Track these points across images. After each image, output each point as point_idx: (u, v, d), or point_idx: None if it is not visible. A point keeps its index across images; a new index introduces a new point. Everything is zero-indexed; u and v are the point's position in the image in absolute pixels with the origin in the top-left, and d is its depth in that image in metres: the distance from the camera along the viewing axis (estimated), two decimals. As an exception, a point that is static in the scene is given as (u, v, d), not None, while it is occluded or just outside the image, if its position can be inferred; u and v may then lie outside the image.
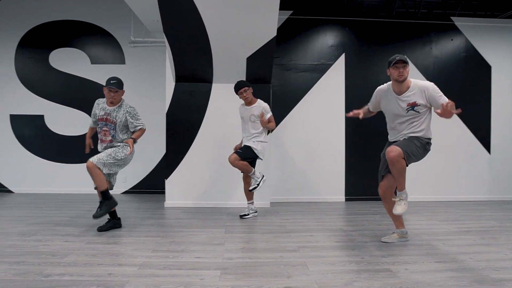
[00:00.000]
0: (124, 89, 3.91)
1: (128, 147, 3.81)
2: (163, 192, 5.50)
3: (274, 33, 4.60)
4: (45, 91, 6.39)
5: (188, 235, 3.74)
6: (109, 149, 3.81)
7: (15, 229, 3.91)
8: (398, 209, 3.23)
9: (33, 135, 6.43)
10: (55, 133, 6.41)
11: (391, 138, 3.48)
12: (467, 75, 6.03)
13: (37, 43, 6.38)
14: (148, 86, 6.31)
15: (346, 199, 5.86)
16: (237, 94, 4.45)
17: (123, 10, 6.12)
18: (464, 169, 6.03)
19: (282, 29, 5.81)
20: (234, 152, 4.40)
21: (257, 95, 5.26)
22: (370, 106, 3.60)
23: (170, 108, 5.27)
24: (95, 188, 3.82)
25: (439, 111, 3.13)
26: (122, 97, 3.93)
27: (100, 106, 3.92)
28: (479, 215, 4.83)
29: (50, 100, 6.38)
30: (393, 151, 3.13)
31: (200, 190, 5.26)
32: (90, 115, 6.21)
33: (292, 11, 5.86)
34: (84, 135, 6.13)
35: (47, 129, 6.41)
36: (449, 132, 5.98)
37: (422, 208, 5.27)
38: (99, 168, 3.68)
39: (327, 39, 5.92)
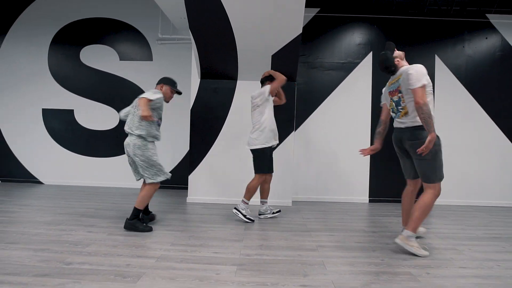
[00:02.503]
0: (157, 86, 4.02)
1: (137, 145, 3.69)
2: (186, 188, 5.55)
3: (300, 30, 4.55)
4: (76, 86, 6.59)
5: (207, 230, 3.76)
6: (140, 163, 3.71)
7: (42, 218, 4.04)
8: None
9: (63, 129, 6.64)
10: (84, 127, 6.59)
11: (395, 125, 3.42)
12: (502, 75, 5.77)
13: (69, 40, 6.58)
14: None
15: (370, 200, 5.73)
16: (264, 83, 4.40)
17: (151, 8, 6.24)
18: (496, 173, 5.78)
19: (308, 27, 5.75)
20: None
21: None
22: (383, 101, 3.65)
23: (194, 105, 5.31)
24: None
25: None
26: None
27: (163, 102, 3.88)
28: (510, 221, 4.61)
29: (80, 95, 6.57)
30: (425, 186, 3.27)
31: (222, 187, 5.28)
32: (117, 110, 6.46)
33: (319, 9, 5.79)
34: (112, 130, 6.31)
35: (76, 123, 6.60)
36: (481, 134, 5.76)
37: (451, 213, 5.09)
38: (151, 184, 3.76)
39: (354, 37, 5.81)
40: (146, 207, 3.98)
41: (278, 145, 4.83)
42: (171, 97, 4.01)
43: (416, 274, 2.62)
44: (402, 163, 3.51)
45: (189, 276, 2.48)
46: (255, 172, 4.26)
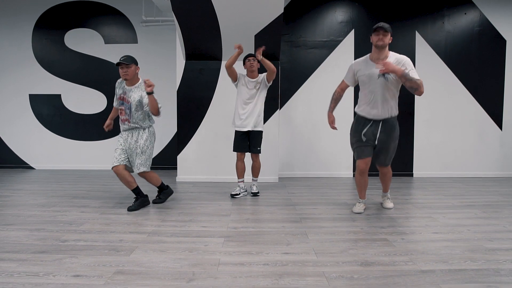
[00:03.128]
0: (138, 66, 3.82)
1: (144, 135, 3.85)
2: (176, 168, 5.69)
3: (281, 10, 4.63)
4: (62, 71, 6.58)
5: (196, 207, 3.92)
6: (136, 150, 3.80)
7: (36, 201, 4.16)
8: (391, 204, 3.89)
9: (51, 114, 6.67)
10: (72, 111, 6.63)
11: (366, 114, 3.52)
12: (480, 50, 5.92)
13: (53, 24, 6.53)
14: (160, 64, 6.43)
15: (354, 175, 5.91)
16: (244, 62, 4.42)
17: (134, -10, 6.22)
18: (474, 145, 6.01)
19: (291, 6, 5.81)
20: (255, 153, 4.46)
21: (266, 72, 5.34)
22: (347, 80, 3.73)
23: (180, 86, 5.40)
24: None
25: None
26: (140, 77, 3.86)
27: (119, 84, 3.88)
28: (486, 191, 4.85)
29: (67, 79, 6.58)
30: (384, 169, 3.73)
31: (211, 165, 5.42)
32: (105, 94, 6.51)
33: (301, -13, 5.84)
34: (100, 113, 6.35)
35: (64, 108, 6.63)
36: (459, 108, 5.95)
37: (430, 184, 5.31)
38: (146, 171, 3.89)
39: (336, 15, 5.89)
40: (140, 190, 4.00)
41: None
42: (122, 72, 3.71)
43: (391, 240, 2.82)
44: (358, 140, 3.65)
45: (179, 248, 2.64)
46: (259, 152, 4.48)
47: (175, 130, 5.72)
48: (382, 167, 3.70)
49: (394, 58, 3.34)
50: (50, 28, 6.54)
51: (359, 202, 3.77)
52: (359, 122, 3.59)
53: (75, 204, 3.98)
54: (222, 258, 2.45)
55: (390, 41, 3.32)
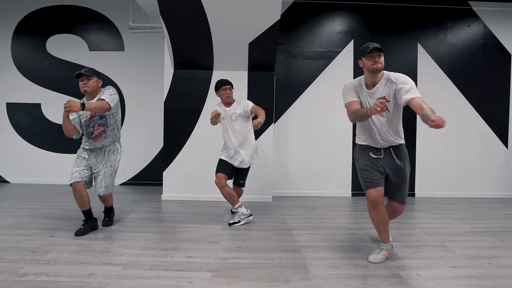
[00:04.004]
0: (100, 78, 3.43)
1: (116, 150, 3.53)
2: (161, 184, 5.27)
3: (278, 17, 4.29)
4: (42, 78, 6.18)
5: (181, 231, 3.50)
6: (102, 170, 3.42)
7: (2, 221, 3.72)
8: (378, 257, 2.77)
9: (30, 124, 6.23)
10: (52, 122, 6.20)
11: (370, 143, 2.82)
12: (485, 64, 5.65)
13: (34, 29, 6.15)
14: (148, 73, 6.07)
15: (353, 194, 5.56)
16: (218, 90, 3.85)
17: (121, -6, 5.88)
18: (479, 164, 5.69)
19: (287, 14, 5.50)
20: (238, 186, 3.96)
21: (260, 83, 5.02)
22: (355, 98, 2.78)
23: (168, 97, 5.01)
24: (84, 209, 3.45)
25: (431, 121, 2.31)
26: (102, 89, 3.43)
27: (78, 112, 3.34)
28: (496, 214, 4.51)
29: (47, 88, 6.17)
30: (401, 208, 2.89)
31: (199, 183, 5.01)
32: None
33: (298, -5, 5.54)
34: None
35: (44, 118, 6.20)
36: (463, 124, 5.65)
37: (434, 205, 4.96)
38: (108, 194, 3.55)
39: (335, 25, 5.58)
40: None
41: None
42: (82, 84, 3.32)
43: (406, 277, 2.44)
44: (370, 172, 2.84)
45: (158, 286, 2.23)
46: (243, 186, 4.02)
47: (162, 143, 5.32)
48: (398, 206, 2.86)
49: (387, 79, 2.68)
50: (31, 33, 6.15)
51: (381, 249, 2.80)
52: (365, 150, 2.85)
53: (45, 226, 3.54)
54: (208, 301, 2.04)
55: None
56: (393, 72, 2.72)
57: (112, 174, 3.49)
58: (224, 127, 3.87)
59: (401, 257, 2.83)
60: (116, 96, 3.36)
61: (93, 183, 3.52)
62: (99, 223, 3.62)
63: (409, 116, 5.41)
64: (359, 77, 2.84)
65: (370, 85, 2.73)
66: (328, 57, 5.57)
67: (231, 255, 2.84)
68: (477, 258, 2.84)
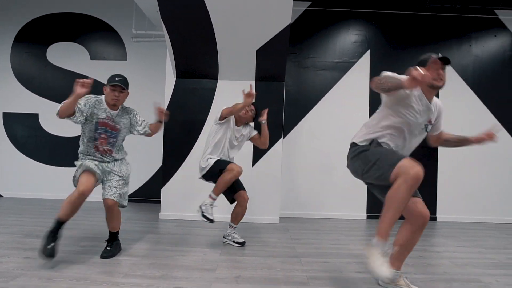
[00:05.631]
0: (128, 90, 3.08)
1: (125, 163, 3.21)
2: (160, 202, 4.88)
3: (289, 20, 3.96)
4: (41, 88, 5.95)
5: (174, 255, 3.07)
6: (116, 176, 3.02)
7: (-22, 239, 3.34)
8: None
9: (26, 135, 5.97)
10: (49, 133, 5.92)
11: (396, 147, 2.37)
12: (513, 77, 5.24)
13: (35, 37, 5.96)
14: (151, 84, 5.77)
15: (368, 217, 5.09)
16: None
17: (124, 1, 5.64)
18: (507, 186, 5.20)
19: (299, 22, 5.19)
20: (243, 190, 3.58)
21: (269, 94, 4.66)
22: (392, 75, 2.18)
23: (169, 107, 4.66)
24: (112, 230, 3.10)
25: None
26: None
27: (102, 106, 2.98)
28: (531, 242, 4.00)
29: (46, 97, 5.91)
30: (427, 211, 2.29)
31: (199, 202, 4.58)
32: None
33: (310, 2, 5.23)
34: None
35: (41, 129, 5.93)
36: (490, 144, 5.16)
37: (459, 231, 4.48)
38: (121, 205, 3.02)
39: (349, 34, 5.24)
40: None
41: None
42: (114, 96, 2.95)
43: (438, 321, 1.97)
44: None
45: (133, 328, 1.80)
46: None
47: (161, 159, 4.95)
48: (423, 207, 2.30)
49: (436, 102, 2.40)
50: (31, 41, 5.96)
51: (384, 253, 2.09)
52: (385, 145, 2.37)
53: (23, 246, 3.17)
54: None
55: None
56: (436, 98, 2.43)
57: (123, 184, 3.05)
58: (224, 139, 3.51)
59: (430, 295, 2.36)
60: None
61: (104, 191, 3.01)
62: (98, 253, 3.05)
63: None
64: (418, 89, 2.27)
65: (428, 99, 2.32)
66: (342, 68, 5.20)
67: (228, 286, 2.40)
68: (523, 298, 2.36)
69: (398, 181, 2.04)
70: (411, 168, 2.01)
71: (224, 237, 3.61)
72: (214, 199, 3.40)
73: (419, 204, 2.28)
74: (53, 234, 2.74)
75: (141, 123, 3.19)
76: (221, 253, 3.22)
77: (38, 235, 3.52)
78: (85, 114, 2.89)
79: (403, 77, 2.02)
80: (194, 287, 2.37)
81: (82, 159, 3.04)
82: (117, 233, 3.11)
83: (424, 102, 2.29)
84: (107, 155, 3.03)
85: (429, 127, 2.41)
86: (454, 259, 3.26)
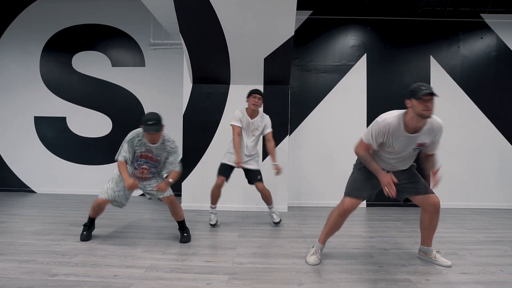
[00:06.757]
0: (163, 124, 3.37)
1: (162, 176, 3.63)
2: (180, 195, 5.45)
3: (292, 33, 4.49)
4: (68, 93, 6.49)
5: (200, 238, 3.65)
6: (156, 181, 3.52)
7: (31, 227, 3.94)
8: (447, 260, 2.91)
9: (55, 136, 6.53)
10: (76, 134, 6.49)
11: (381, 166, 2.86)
12: (498, 75, 5.70)
13: (61, 47, 6.50)
14: (167, 88, 6.31)
15: (367, 205, 5.62)
16: (249, 96, 4.12)
17: (143, 13, 6.16)
18: (494, 175, 5.70)
19: (301, 30, 5.69)
20: (257, 181, 4.18)
21: (275, 97, 5.18)
22: (373, 143, 2.76)
23: (187, 110, 5.23)
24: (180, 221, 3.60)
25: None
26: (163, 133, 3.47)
27: (140, 141, 3.36)
28: (511, 224, 4.52)
29: (72, 102, 6.47)
30: (437, 199, 2.91)
31: (217, 193, 5.16)
32: (110, 117, 6.36)
33: (311, 11, 5.73)
34: (105, 137, 6.16)
35: (69, 131, 6.50)
36: (479, 136, 5.68)
37: (449, 216, 5.00)
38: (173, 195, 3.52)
39: (348, 39, 5.75)
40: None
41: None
42: (151, 138, 3.32)
43: (415, 281, 2.53)
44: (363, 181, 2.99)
45: (178, 287, 2.38)
46: (261, 181, 4.24)
47: (181, 155, 5.51)
48: (434, 197, 2.89)
49: (431, 126, 2.69)
50: (58, 50, 6.50)
51: (317, 250, 3.01)
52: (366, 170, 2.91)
53: (72, 232, 3.74)
54: (226, 301, 2.18)
55: None
56: (434, 117, 2.67)
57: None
58: (242, 138, 4.13)
59: (412, 264, 2.91)
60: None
61: (149, 197, 3.58)
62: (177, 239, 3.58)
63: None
64: (398, 114, 2.66)
65: (412, 129, 2.63)
66: (341, 70, 5.71)
67: (247, 260, 2.97)
68: (488, 265, 2.89)
69: (336, 208, 3.02)
70: (342, 204, 2.97)
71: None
72: (213, 208, 4.27)
73: (430, 198, 2.90)
74: (87, 226, 3.56)
75: (173, 159, 3.50)
76: (239, 235, 3.79)
77: (80, 224, 4.09)
78: (131, 156, 3.38)
79: (376, 170, 2.74)
80: (220, 261, 2.94)
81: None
82: (184, 220, 3.60)
83: (401, 136, 2.66)
84: (145, 181, 3.53)
85: (423, 148, 2.78)
86: (439, 237, 3.78)
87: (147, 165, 3.45)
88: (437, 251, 3.00)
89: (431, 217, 2.93)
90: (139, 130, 3.37)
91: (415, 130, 2.64)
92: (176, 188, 5.93)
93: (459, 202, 5.65)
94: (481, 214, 5.12)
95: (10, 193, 6.41)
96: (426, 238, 3.01)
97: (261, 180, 4.18)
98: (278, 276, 2.60)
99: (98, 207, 3.50)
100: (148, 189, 3.54)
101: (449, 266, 2.84)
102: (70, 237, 3.56)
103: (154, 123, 3.22)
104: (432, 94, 2.52)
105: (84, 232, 3.51)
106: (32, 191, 6.52)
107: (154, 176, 3.57)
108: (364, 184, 2.92)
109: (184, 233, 3.56)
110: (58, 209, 5.06)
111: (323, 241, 3.04)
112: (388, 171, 2.86)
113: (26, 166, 6.55)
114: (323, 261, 2.95)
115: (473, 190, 5.68)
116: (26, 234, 3.68)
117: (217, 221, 4.24)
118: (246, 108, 4.16)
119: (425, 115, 2.54)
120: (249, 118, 4.14)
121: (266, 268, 2.77)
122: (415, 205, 5.47)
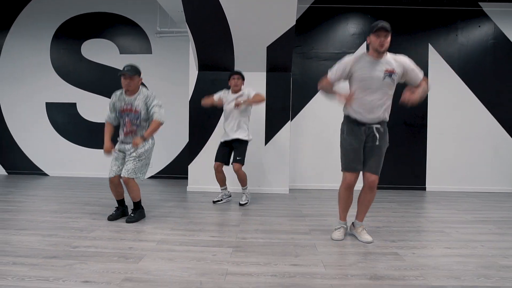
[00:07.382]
0: (141, 76, 3.66)
1: (148, 143, 3.68)
2: (187, 177, 5.72)
3: (293, 22, 4.67)
4: (78, 80, 6.73)
5: (206, 216, 3.93)
6: (130, 155, 3.58)
7: (49, 207, 4.23)
8: (369, 236, 3.12)
9: (66, 122, 6.80)
10: (86, 120, 6.75)
11: (361, 118, 3.03)
12: (495, 63, 5.86)
13: (70, 34, 6.71)
14: (174, 75, 6.52)
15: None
16: (229, 79, 4.57)
17: (149, 2, 6.34)
18: (488, 160, 5.91)
19: (303, 18, 5.85)
20: (235, 162, 4.44)
21: (277, 83, 5.39)
22: (333, 77, 3.07)
23: (193, 96, 5.45)
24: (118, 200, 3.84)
25: (415, 90, 2.95)
26: (144, 88, 3.69)
27: (119, 97, 3.66)
28: (500, 206, 4.75)
29: (82, 88, 6.71)
30: (374, 177, 3.05)
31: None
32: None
33: (313, 0, 5.88)
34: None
35: (79, 116, 6.76)
36: (473, 121, 5.88)
37: (443, 198, 5.24)
38: (133, 179, 3.58)
39: (348, 28, 5.91)
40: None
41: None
42: (125, 83, 3.57)
43: (402, 254, 2.78)
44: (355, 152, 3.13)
45: (187, 257, 2.65)
46: (241, 163, 4.47)
47: (187, 140, 5.76)
48: (370, 176, 3.03)
49: (394, 57, 2.95)
50: (68, 38, 6.71)
51: (340, 227, 3.23)
52: (350, 125, 3.11)
53: (87, 211, 4.03)
54: (230, 268, 2.44)
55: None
56: (394, 54, 2.97)
57: (136, 161, 3.54)
58: (226, 114, 4.59)
59: (401, 239, 3.17)
60: (164, 109, 3.66)
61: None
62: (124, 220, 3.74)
63: (420, 114, 5.75)
64: (362, 53, 3.03)
65: (374, 56, 2.91)
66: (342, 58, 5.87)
67: (250, 235, 3.24)
68: (470, 241, 3.14)
69: (340, 185, 3.22)
70: (344, 180, 3.15)
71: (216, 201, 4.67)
72: (223, 189, 4.72)
73: (369, 176, 3.06)
74: (116, 207, 3.83)
75: (151, 108, 3.57)
76: (242, 214, 4.06)
77: (94, 204, 4.41)
78: (114, 111, 3.71)
79: (335, 93, 3.07)
80: (225, 236, 3.21)
81: (119, 140, 3.74)
82: (138, 202, 3.74)
83: (366, 60, 2.91)
84: (129, 136, 3.64)
85: (393, 75, 2.90)
86: (429, 217, 4.05)
87: (128, 118, 3.62)
88: (363, 228, 3.21)
89: (365, 193, 3.14)
90: (120, 90, 3.72)
91: (378, 57, 2.91)
92: (183, 170, 6.22)
93: (453, 185, 5.87)
94: (473, 197, 5.36)
95: (25, 176, 6.72)
96: (360, 212, 3.23)
97: (240, 162, 4.45)
98: (278, 249, 2.86)
99: (111, 186, 3.71)
100: (127, 153, 3.63)
101: (370, 242, 3.04)
102: (85, 215, 3.84)
103: (129, 68, 3.54)
104: (384, 29, 2.78)
105: (113, 212, 3.76)
106: (45, 174, 6.83)
107: (137, 128, 3.64)
108: (355, 156, 3.09)
109: (131, 214, 3.70)
110: (72, 190, 5.35)
111: (343, 217, 3.26)
112: (360, 122, 3.05)
113: (38, 150, 6.84)
114: (319, 237, 3.21)
115: (467, 174, 5.90)
116: (44, 212, 3.98)
117: (221, 199, 4.70)
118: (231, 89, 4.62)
119: (379, 50, 2.83)
120: (232, 94, 4.58)
121: (267, 242, 3.03)
122: (408, 188, 5.74)
